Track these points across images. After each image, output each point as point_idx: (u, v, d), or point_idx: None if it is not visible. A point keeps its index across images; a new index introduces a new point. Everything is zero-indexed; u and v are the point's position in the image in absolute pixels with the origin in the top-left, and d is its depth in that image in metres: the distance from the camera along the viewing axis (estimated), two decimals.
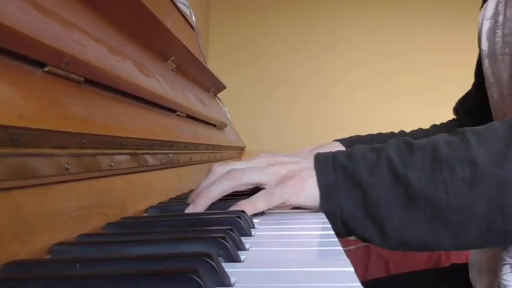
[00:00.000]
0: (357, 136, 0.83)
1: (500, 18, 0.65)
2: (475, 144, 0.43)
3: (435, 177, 0.43)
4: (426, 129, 0.87)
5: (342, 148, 0.77)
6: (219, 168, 0.52)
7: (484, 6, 0.70)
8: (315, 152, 0.64)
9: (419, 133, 0.85)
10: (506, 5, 0.64)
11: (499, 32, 0.65)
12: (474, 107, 0.84)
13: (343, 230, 0.47)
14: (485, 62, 0.69)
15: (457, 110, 0.91)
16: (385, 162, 0.45)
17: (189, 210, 0.49)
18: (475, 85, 0.84)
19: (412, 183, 0.43)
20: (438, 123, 0.91)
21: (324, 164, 0.48)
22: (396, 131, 0.86)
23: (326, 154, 0.50)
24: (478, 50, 0.72)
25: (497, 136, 0.43)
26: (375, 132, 0.85)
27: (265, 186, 0.50)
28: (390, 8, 2.94)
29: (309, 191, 0.48)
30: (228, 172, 0.50)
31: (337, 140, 0.81)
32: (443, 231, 0.43)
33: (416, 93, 2.81)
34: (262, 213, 0.51)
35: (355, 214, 0.46)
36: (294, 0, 2.97)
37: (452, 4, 2.74)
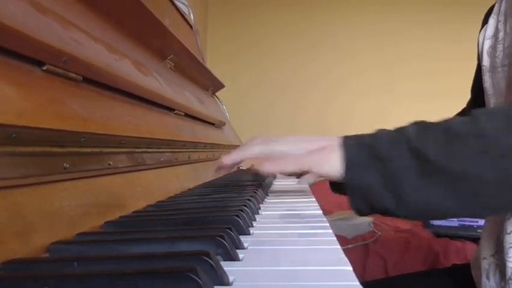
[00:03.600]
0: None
1: (501, 35, 0.70)
2: (484, 119, 0.48)
3: (448, 148, 0.47)
4: None
5: None
6: (259, 136, 0.59)
7: (484, 28, 0.74)
8: None
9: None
10: (505, 21, 0.69)
11: (500, 47, 0.69)
12: None
13: (363, 204, 0.50)
14: (486, 77, 0.73)
15: None
16: (404, 137, 0.50)
17: (224, 157, 0.56)
18: (470, 102, 0.87)
19: (428, 155, 0.47)
20: None
21: (349, 141, 0.53)
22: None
23: (352, 135, 0.54)
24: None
25: (504, 111, 0.48)
26: None
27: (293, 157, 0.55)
28: (396, 9, 2.93)
29: (333, 162, 0.51)
30: (264, 139, 0.57)
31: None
32: (457, 198, 0.47)
33: (402, 84, 2.82)
34: (257, 212, 0.51)
35: (375, 186, 0.49)
36: (294, 0, 2.97)
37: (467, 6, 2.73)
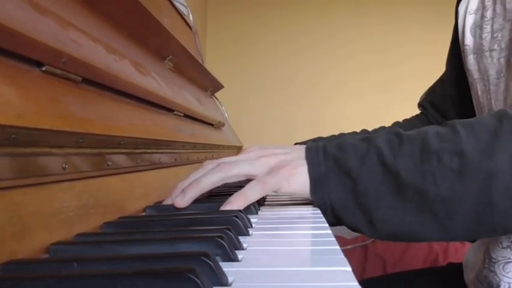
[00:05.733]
0: (319, 138, 0.81)
1: (488, 13, 0.64)
2: (464, 135, 0.43)
3: (423, 167, 0.43)
4: (389, 127, 0.86)
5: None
6: (209, 162, 0.53)
7: None
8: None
9: (380, 130, 0.84)
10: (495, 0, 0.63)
11: (487, 28, 0.64)
12: (444, 100, 0.84)
13: (333, 219, 0.48)
14: (470, 58, 0.68)
15: (423, 105, 0.90)
16: (375, 152, 0.45)
17: (178, 200, 0.49)
18: (449, 79, 0.83)
19: (401, 174, 0.43)
20: (408, 118, 0.90)
21: (315, 153, 0.48)
22: (358, 131, 0.85)
23: (316, 145, 0.50)
24: None
25: (487, 128, 0.43)
26: None
27: (256, 178, 0.50)
28: (394, 11, 2.94)
29: (300, 179, 0.48)
30: (218, 165, 0.50)
31: (298, 143, 0.76)
32: (431, 222, 0.43)
33: (400, 85, 2.81)
34: (256, 213, 0.51)
35: (345, 203, 0.46)
36: (293, 0, 2.97)
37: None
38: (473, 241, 0.74)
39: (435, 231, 0.44)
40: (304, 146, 0.51)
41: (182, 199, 0.49)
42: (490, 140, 0.42)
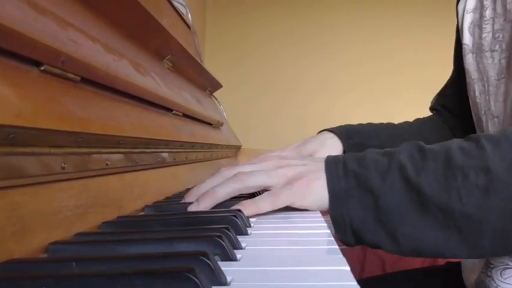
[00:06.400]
0: (348, 125, 0.78)
1: (488, 13, 0.63)
2: (490, 151, 0.42)
3: (448, 184, 0.42)
4: (411, 123, 0.85)
5: (334, 139, 0.73)
6: (227, 171, 0.52)
7: None
8: (303, 148, 0.63)
9: (406, 126, 0.83)
10: None
11: (487, 27, 0.63)
12: (456, 102, 0.82)
13: (352, 237, 0.46)
14: (468, 57, 0.67)
15: (435, 108, 0.88)
16: (397, 168, 0.44)
17: (192, 208, 0.48)
18: (454, 81, 0.81)
19: (425, 190, 0.42)
20: (421, 117, 0.88)
21: (334, 168, 0.47)
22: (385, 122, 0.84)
23: (336, 158, 0.49)
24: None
25: None
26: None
27: (271, 189, 0.49)
28: (384, 7, 2.94)
29: (317, 194, 0.47)
30: (235, 175, 0.50)
31: (326, 130, 0.75)
32: (457, 239, 0.42)
33: (407, 91, 2.82)
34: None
35: (366, 221, 0.45)
36: (294, 4, 2.97)
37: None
38: None
39: (462, 248, 0.43)
40: (322, 159, 0.49)
41: (197, 208, 0.48)
42: None
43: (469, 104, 0.72)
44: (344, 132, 0.74)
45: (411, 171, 0.43)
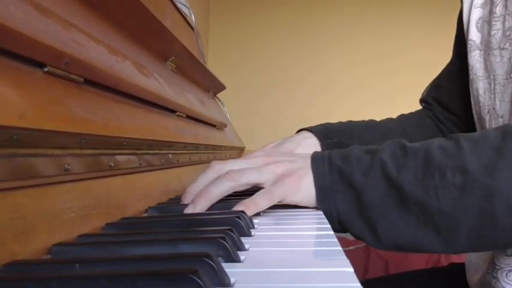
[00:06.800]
0: (327, 123, 0.78)
1: (498, 10, 0.62)
2: (468, 151, 0.44)
3: (426, 182, 0.44)
4: (395, 119, 0.84)
5: (312, 139, 0.72)
6: (218, 166, 0.53)
7: None
8: (281, 147, 0.66)
9: (389, 122, 0.82)
10: None
11: (497, 25, 0.62)
12: (450, 95, 0.80)
13: (339, 227, 0.49)
14: (475, 54, 0.66)
15: (426, 101, 0.86)
16: (379, 166, 0.46)
17: (189, 210, 0.49)
18: (457, 71, 0.77)
19: (404, 187, 0.44)
20: (406, 113, 0.87)
21: (320, 164, 0.49)
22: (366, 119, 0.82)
23: (322, 154, 0.51)
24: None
25: (490, 144, 0.44)
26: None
27: (263, 186, 0.51)
28: (387, 8, 2.94)
29: (306, 189, 0.49)
30: (226, 173, 0.51)
31: (305, 129, 0.75)
32: (433, 235, 0.44)
33: (411, 92, 2.81)
34: (258, 214, 0.51)
35: (350, 214, 0.47)
36: (299, 4, 2.97)
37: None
38: None
39: (437, 244, 0.45)
40: (309, 155, 0.52)
41: (193, 210, 0.49)
42: (492, 157, 0.42)
43: (465, 99, 0.72)
44: (322, 131, 0.73)
45: (392, 169, 0.45)
